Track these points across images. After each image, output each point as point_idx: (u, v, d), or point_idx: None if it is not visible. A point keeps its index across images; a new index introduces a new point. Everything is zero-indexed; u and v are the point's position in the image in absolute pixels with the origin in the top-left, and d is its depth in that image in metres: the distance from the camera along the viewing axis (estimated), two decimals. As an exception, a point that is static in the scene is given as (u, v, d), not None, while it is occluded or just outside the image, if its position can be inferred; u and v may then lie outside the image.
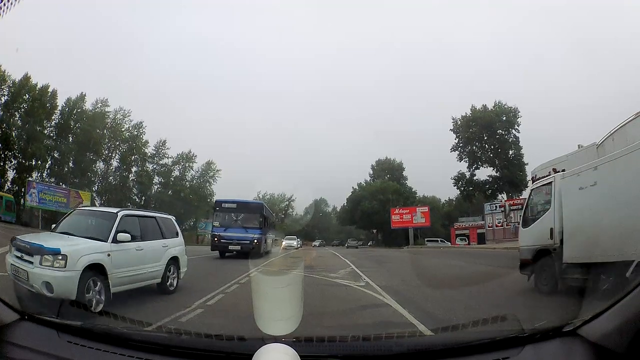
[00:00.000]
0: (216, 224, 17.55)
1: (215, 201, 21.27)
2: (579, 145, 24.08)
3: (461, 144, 41.72)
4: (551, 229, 6.82)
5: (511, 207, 33.66)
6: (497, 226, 35.38)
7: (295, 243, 33.00)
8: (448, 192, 62.58)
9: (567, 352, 1.43)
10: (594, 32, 65.50)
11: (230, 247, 16.63)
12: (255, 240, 16.81)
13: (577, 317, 1.49)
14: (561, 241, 6.55)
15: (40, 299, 4.65)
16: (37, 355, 1.56)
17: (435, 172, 75.15)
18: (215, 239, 17.13)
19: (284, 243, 30.66)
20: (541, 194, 7.74)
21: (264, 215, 18.60)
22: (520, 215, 9.68)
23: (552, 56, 68.52)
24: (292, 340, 1.62)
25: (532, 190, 8.78)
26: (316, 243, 50.28)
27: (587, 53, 63.62)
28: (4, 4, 1.87)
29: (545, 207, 7.31)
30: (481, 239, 37.18)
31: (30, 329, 1.69)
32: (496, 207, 36.30)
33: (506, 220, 30.76)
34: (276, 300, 2.12)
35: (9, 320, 1.67)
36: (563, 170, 22.18)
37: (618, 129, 17.56)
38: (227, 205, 18.04)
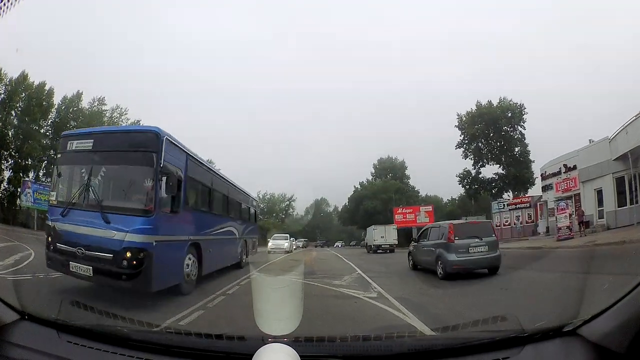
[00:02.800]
0: (52, 197, 6.88)
1: (62, 135, 7.33)
2: (589, 140, 23.74)
3: (466, 141, 40.89)
4: (366, 237, 32.52)
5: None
6: (504, 225, 34.99)
7: (286, 245, 24.90)
8: (450, 192, 62.53)
9: (567, 352, 1.43)
10: (598, 28, 65.03)
11: (74, 266, 5.81)
12: (129, 253, 5.58)
13: (577, 317, 1.49)
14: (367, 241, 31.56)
15: (40, 299, 4.42)
16: (37, 355, 1.56)
17: (437, 171, 75.07)
18: (50, 238, 6.32)
19: (269, 244, 24.10)
20: (367, 229, 32.85)
21: (170, 169, 6.27)
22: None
23: (554, 54, 68.08)
24: (292, 340, 1.63)
25: (367, 228, 33.01)
26: (299, 243, 47.15)
27: (592, 50, 63.16)
28: (4, 4, 1.86)
29: (366, 233, 33.34)
30: (486, 238, 36.75)
31: (30, 329, 1.70)
32: (504, 205, 35.99)
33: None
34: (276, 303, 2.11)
35: (9, 320, 1.68)
36: (574, 166, 22.92)
37: (631, 122, 17.39)
38: (78, 143, 6.60)
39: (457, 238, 9.07)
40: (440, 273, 9.06)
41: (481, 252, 8.94)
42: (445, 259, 8.88)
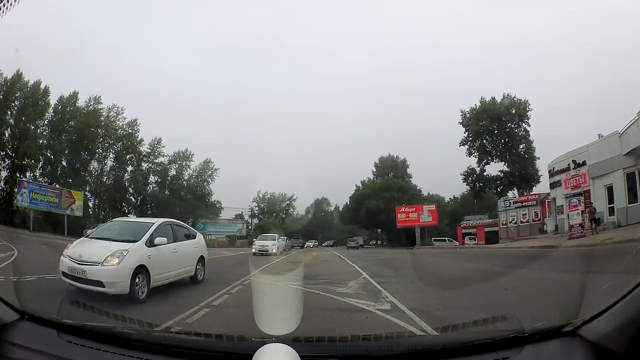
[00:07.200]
0: None
1: None
2: (599, 135, 23.16)
3: (470, 138, 40.16)
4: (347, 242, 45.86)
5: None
6: (511, 223, 34.50)
7: (270, 245, 14.92)
8: (452, 191, 61.90)
9: (567, 352, 1.42)
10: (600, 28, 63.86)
11: None
12: None
13: (577, 317, 1.48)
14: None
15: (40, 299, 4.34)
16: (37, 355, 1.57)
17: (439, 170, 74.30)
18: None
19: (256, 245, 18.38)
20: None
21: None
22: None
23: (558, 50, 66.91)
24: (292, 340, 1.63)
25: (338, 242, 54.27)
26: (280, 242, 40.30)
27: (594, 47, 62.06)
28: (4, 4, 1.87)
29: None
30: (489, 238, 35.89)
31: (30, 328, 1.70)
32: (510, 203, 35.43)
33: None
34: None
35: (9, 320, 1.69)
36: (584, 162, 21.64)
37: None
38: None
39: (350, 241, 41.39)
40: (347, 248, 36.74)
41: (356, 245, 39.63)
42: (349, 246, 38.81)
